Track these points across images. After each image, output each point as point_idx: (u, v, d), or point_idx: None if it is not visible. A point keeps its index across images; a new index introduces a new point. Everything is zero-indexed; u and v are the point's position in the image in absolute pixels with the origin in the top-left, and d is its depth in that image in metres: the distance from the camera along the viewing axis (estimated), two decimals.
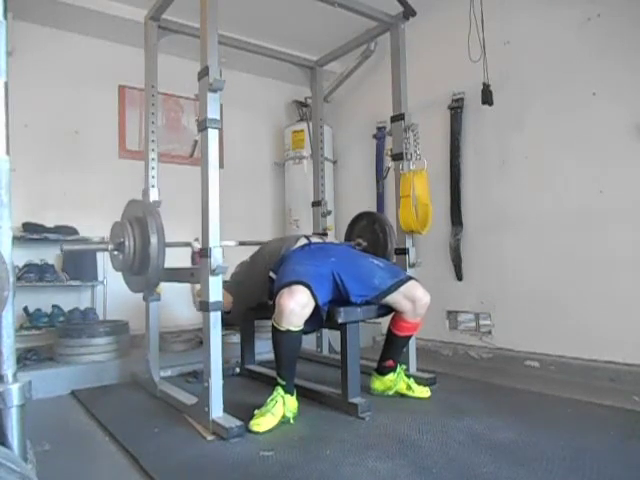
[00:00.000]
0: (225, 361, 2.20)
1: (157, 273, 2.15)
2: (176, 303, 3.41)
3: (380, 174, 3.87)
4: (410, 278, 2.23)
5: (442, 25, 3.42)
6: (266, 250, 2.44)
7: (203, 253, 1.92)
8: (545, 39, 2.87)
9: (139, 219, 2.17)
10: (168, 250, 2.48)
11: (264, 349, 2.92)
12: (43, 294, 3.18)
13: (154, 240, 2.08)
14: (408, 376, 2.36)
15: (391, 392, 2.30)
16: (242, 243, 2.73)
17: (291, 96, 4.48)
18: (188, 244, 2.42)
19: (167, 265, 2.51)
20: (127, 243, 2.13)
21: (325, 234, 3.19)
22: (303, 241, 2.39)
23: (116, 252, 2.19)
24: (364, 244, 2.91)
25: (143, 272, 2.17)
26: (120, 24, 3.39)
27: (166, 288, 2.56)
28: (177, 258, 2.52)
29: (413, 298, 2.17)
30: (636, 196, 2.49)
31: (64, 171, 3.41)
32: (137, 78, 2.82)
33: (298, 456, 1.63)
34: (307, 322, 1.98)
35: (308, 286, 1.93)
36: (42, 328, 3.02)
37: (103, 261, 3.33)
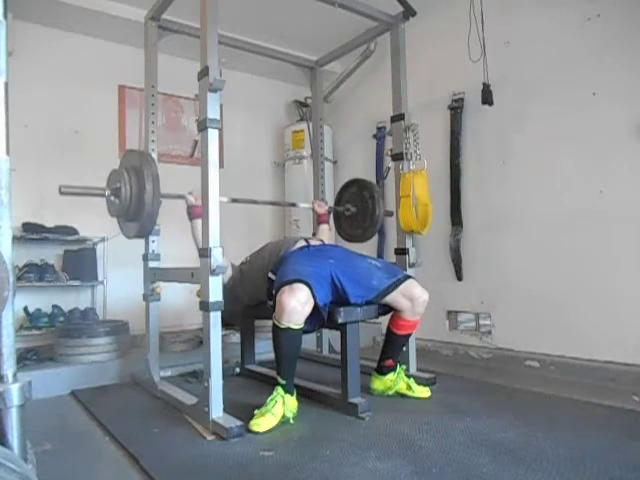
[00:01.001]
0: (225, 361, 2.21)
1: (151, 219, 2.21)
2: (176, 303, 3.41)
3: (380, 174, 3.87)
4: (408, 277, 2.23)
5: (442, 25, 3.42)
6: (266, 252, 2.45)
7: (203, 253, 1.92)
8: (545, 39, 2.87)
9: (136, 167, 2.21)
10: (169, 248, 2.49)
11: (264, 349, 2.92)
12: (43, 294, 3.17)
13: (149, 187, 2.11)
14: (408, 376, 2.36)
15: (391, 392, 2.30)
16: (235, 200, 2.74)
17: (291, 96, 4.48)
18: (182, 197, 2.46)
19: (167, 264, 2.52)
20: (123, 189, 2.16)
21: None
22: (302, 243, 2.40)
23: (113, 197, 2.22)
24: (353, 209, 2.95)
25: (138, 218, 2.22)
26: (120, 24, 3.39)
27: (166, 288, 2.56)
28: (178, 258, 2.52)
29: (411, 297, 2.17)
30: (636, 196, 2.49)
31: (64, 171, 3.40)
32: (137, 78, 2.82)
33: (298, 456, 1.63)
34: (307, 321, 1.98)
35: (308, 284, 1.94)
36: (42, 328, 3.02)
37: (103, 261, 3.33)
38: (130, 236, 2.39)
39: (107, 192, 2.22)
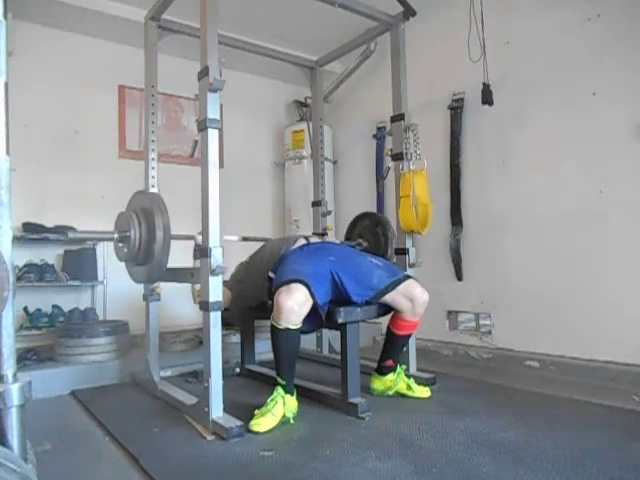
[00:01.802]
0: (225, 361, 2.21)
1: (160, 268, 2.17)
2: (176, 303, 3.41)
3: (380, 174, 3.87)
4: (408, 277, 2.23)
5: (442, 25, 3.42)
6: (266, 250, 2.44)
7: (203, 253, 1.92)
8: (545, 39, 2.87)
9: (145, 211, 2.17)
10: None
11: (264, 349, 2.91)
12: (43, 294, 3.17)
13: (160, 236, 2.07)
14: (408, 376, 2.36)
15: (391, 392, 2.30)
16: (245, 239, 2.72)
17: (291, 96, 4.48)
18: (192, 237, 2.42)
19: (168, 264, 2.51)
20: (132, 236, 2.13)
21: (325, 234, 3.19)
22: (302, 241, 2.39)
23: (121, 244, 2.19)
24: (365, 244, 2.91)
25: (147, 264, 2.18)
26: (120, 24, 3.39)
27: (166, 288, 2.56)
28: (177, 257, 2.51)
29: (411, 297, 2.17)
30: (636, 196, 2.49)
31: (64, 171, 3.41)
32: (137, 78, 2.82)
33: (298, 456, 1.63)
34: (306, 321, 1.98)
35: (306, 284, 1.93)
36: (42, 328, 3.02)
37: (103, 261, 3.33)
38: (139, 281, 2.36)
39: (115, 236, 2.19)
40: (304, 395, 2.18)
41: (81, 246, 3.33)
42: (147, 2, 2.62)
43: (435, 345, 3.35)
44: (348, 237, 3.04)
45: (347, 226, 3.10)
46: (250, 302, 2.42)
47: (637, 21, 2.50)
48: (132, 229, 2.13)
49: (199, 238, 2.27)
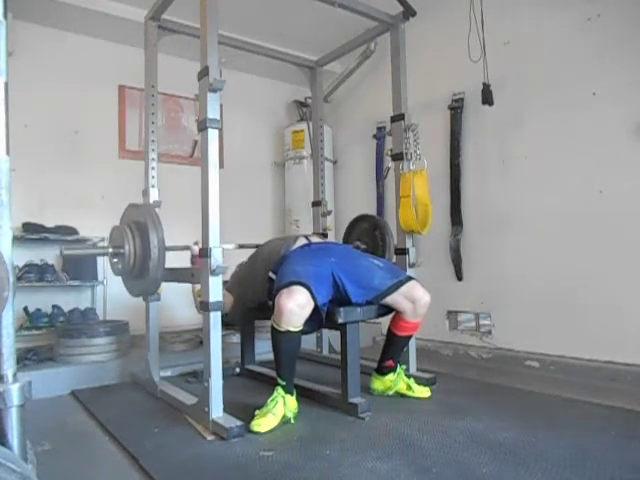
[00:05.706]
0: (225, 361, 2.21)
1: (156, 283, 2.19)
2: (176, 303, 3.41)
3: (380, 174, 3.87)
4: (410, 278, 2.22)
5: (442, 25, 3.42)
6: (266, 250, 2.44)
7: (203, 253, 1.92)
8: (545, 39, 2.87)
9: (139, 225, 2.16)
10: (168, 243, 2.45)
11: (264, 349, 2.91)
12: (43, 294, 3.17)
13: (155, 253, 2.08)
14: (408, 376, 2.35)
15: (391, 392, 2.30)
16: (241, 246, 2.71)
17: (291, 96, 4.48)
18: (188, 247, 2.42)
19: (167, 264, 2.51)
20: (127, 252, 2.13)
21: (325, 234, 3.19)
22: (302, 241, 2.39)
23: (115, 260, 2.20)
24: (362, 247, 2.90)
25: (142, 278, 2.19)
26: (120, 24, 3.39)
27: (166, 288, 2.55)
28: (177, 257, 2.52)
29: (413, 298, 2.16)
30: (636, 196, 2.49)
31: (64, 171, 3.41)
32: (137, 78, 2.82)
33: (298, 456, 1.63)
34: (307, 322, 1.97)
35: (307, 287, 1.93)
36: (42, 328, 3.02)
37: (103, 261, 3.33)
38: (135, 295, 2.36)
39: (110, 251, 2.19)
40: (304, 395, 2.18)
41: (81, 246, 3.33)
42: (147, 2, 2.62)
43: (435, 345, 3.35)
44: (346, 240, 3.00)
45: (345, 228, 3.07)
46: (250, 303, 2.42)
47: (637, 21, 2.50)
48: (126, 244, 2.13)
49: (195, 248, 2.26)
